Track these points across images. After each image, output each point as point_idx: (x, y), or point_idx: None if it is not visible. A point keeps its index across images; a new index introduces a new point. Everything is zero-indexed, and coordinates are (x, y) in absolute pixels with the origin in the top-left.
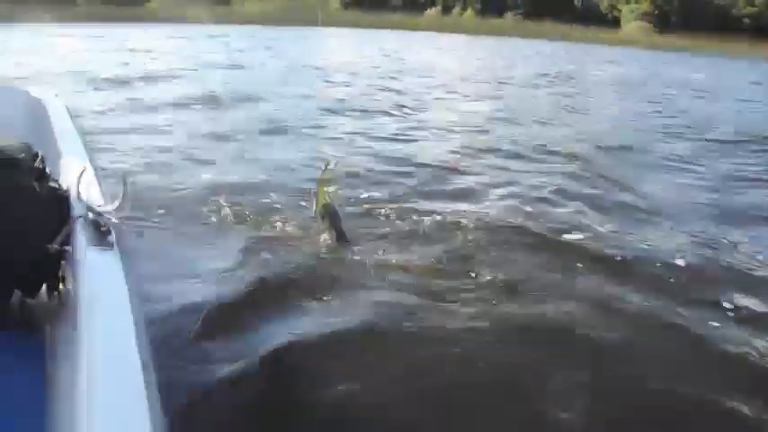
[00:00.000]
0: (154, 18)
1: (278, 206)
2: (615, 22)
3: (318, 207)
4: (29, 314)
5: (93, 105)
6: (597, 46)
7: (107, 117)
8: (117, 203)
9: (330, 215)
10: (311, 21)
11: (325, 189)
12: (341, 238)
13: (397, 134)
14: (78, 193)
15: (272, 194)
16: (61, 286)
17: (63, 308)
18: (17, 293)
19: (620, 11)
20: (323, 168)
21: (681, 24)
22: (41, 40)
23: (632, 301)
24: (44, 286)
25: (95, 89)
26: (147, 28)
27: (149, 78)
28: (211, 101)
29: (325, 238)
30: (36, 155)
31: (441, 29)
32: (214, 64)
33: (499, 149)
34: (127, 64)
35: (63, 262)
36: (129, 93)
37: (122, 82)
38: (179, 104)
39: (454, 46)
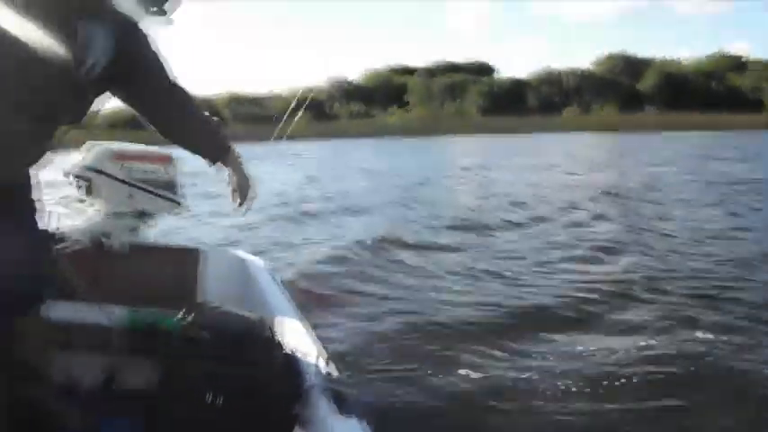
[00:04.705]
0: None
1: None
2: (759, 105)
3: None
4: None
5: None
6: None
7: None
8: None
9: None
10: (452, 129)
11: None
12: None
13: None
14: (311, 362)
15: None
16: None
17: None
18: None
19: (761, 90)
20: None
21: None
22: None
23: None
24: None
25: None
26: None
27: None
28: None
29: None
30: (267, 326)
31: (581, 128)
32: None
33: None
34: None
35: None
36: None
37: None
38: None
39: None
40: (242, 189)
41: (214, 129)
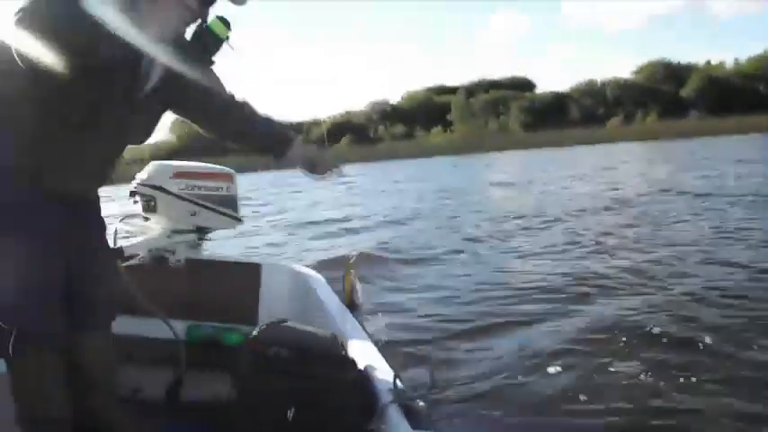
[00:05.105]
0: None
1: None
2: None
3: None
4: None
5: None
6: None
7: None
8: (426, 387)
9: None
10: (495, 146)
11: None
12: None
13: None
14: (382, 378)
15: None
16: None
17: None
18: None
19: None
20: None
21: None
22: None
23: None
24: None
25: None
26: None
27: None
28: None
29: None
30: (339, 342)
31: (624, 138)
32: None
33: None
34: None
35: None
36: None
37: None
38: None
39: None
40: (323, 162)
41: (275, 126)
